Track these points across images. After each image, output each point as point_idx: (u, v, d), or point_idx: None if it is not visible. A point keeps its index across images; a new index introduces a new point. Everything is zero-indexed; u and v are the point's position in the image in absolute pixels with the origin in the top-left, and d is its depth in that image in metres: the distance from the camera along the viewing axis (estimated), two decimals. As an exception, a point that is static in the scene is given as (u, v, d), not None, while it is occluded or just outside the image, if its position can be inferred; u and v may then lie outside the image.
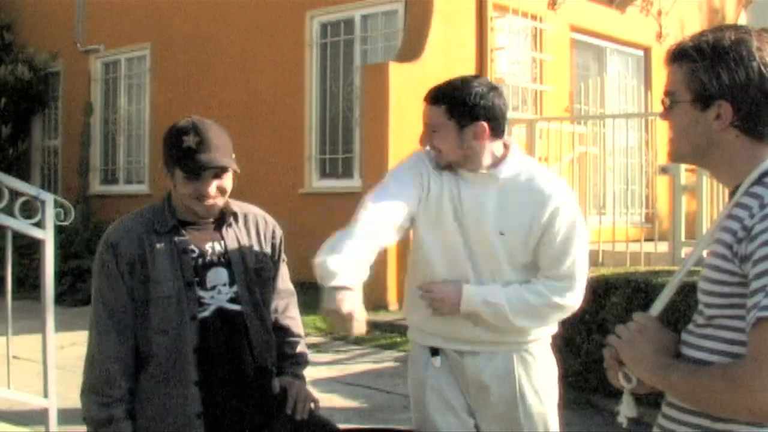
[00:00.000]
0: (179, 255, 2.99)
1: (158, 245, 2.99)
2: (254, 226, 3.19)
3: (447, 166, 3.18)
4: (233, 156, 3.07)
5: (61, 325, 6.53)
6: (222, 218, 3.12)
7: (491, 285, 3.13)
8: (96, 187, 15.07)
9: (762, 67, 1.92)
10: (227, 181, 3.05)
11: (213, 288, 3.00)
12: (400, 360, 7.75)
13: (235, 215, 3.16)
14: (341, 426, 3.45)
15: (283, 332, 3.26)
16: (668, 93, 2.04)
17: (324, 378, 7.25)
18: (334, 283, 2.77)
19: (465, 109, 3.11)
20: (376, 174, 8.11)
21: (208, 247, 3.05)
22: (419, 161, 3.22)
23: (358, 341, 8.48)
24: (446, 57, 10.31)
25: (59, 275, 9.18)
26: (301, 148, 11.77)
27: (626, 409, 2.10)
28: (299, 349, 3.34)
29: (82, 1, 15.04)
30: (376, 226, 2.97)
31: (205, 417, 2.94)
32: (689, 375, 1.88)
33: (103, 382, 2.95)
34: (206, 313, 2.97)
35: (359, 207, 3.02)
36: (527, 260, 3.16)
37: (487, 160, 3.16)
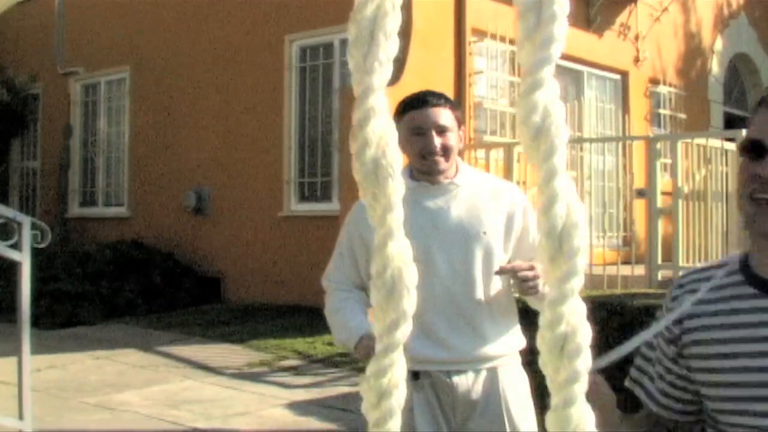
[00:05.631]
0: None
1: None
2: None
3: (422, 174, 3.24)
4: None
5: (38, 348, 6.52)
6: None
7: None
8: (75, 209, 15.04)
9: None
10: None
11: None
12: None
13: None
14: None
15: None
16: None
17: (302, 401, 7.25)
18: (354, 341, 3.15)
19: (460, 113, 3.23)
20: (354, 198, 8.14)
21: None
22: (350, 224, 3.34)
23: (336, 364, 8.49)
24: (425, 81, 10.36)
25: (37, 298, 9.14)
26: (280, 171, 11.80)
27: None
28: None
29: (62, 24, 15.06)
30: (351, 299, 3.32)
31: None
32: None
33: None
34: None
35: (326, 296, 3.39)
36: (501, 261, 3.20)
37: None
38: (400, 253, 0.60)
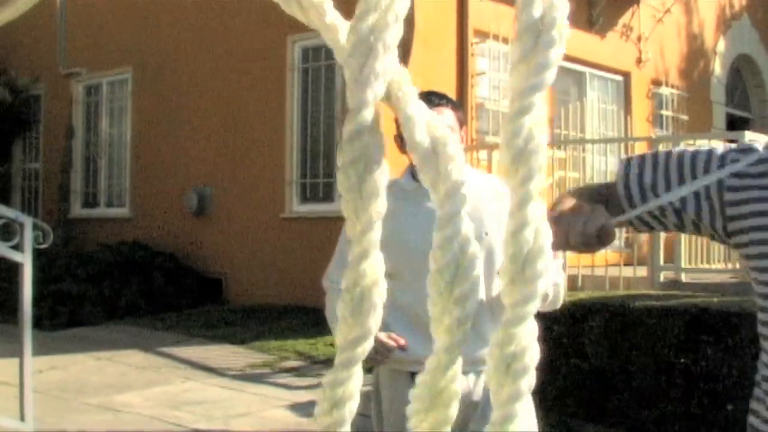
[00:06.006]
0: None
1: None
2: None
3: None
4: None
5: (40, 349, 6.52)
6: None
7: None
8: (77, 210, 15.04)
9: None
10: None
11: None
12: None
13: None
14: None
15: None
16: None
17: (303, 402, 7.24)
18: None
19: (462, 113, 3.24)
20: (356, 198, 8.12)
21: None
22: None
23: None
24: (427, 81, 10.35)
25: (39, 299, 9.15)
26: (282, 172, 11.79)
27: None
28: None
29: (64, 25, 15.06)
30: None
31: None
32: None
33: None
34: None
35: (327, 296, 3.32)
36: (499, 264, 3.18)
37: None
38: (373, 271, 0.60)
